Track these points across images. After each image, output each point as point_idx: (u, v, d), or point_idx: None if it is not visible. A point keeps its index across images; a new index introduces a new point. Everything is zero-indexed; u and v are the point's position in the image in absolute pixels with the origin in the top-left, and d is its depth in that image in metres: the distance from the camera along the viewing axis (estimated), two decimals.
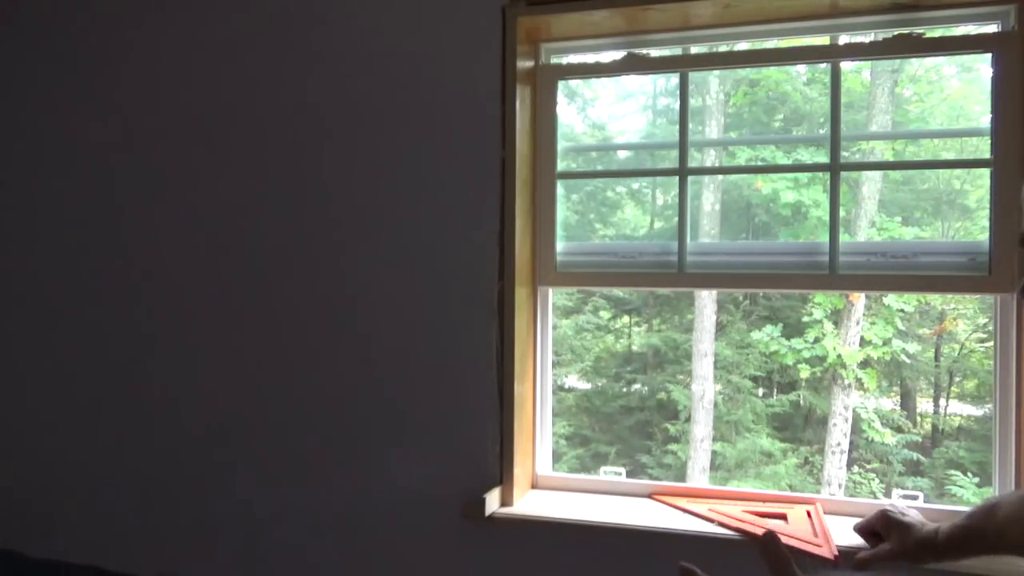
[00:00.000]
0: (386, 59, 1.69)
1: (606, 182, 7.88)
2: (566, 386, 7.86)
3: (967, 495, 5.97)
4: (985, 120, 1.47)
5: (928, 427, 7.35)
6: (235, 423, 1.81)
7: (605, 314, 8.06)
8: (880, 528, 1.28)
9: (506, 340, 1.61)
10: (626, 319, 8.19)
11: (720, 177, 7.13)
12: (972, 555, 1.16)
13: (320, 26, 1.74)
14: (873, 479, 6.79)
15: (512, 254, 1.60)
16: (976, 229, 6.66)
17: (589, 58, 1.76)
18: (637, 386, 7.76)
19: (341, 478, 1.72)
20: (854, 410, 6.67)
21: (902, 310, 6.47)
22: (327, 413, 1.73)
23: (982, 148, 1.52)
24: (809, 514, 1.50)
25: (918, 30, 1.50)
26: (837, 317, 6.56)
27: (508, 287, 1.60)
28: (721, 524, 1.46)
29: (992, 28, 1.49)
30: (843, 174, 1.57)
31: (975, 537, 1.13)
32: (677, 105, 1.70)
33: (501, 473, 1.60)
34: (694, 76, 1.72)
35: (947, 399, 7.45)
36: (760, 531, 1.40)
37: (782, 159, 6.29)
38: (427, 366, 1.66)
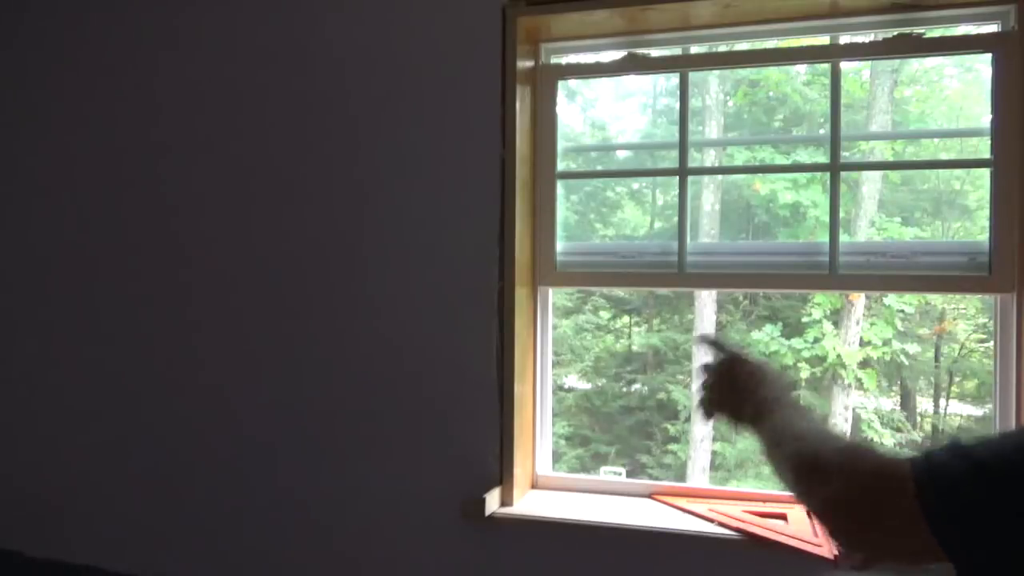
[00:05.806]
0: (386, 59, 1.69)
1: (606, 182, 7.86)
2: (566, 386, 7.84)
3: None
4: (985, 120, 1.47)
5: (928, 427, 7.35)
6: (235, 424, 1.81)
7: (605, 314, 8.05)
8: None
9: (506, 340, 1.61)
10: (626, 319, 8.17)
11: (720, 177, 7.11)
12: None
13: (319, 26, 1.74)
14: None
15: (512, 254, 1.60)
16: (976, 229, 6.65)
17: (589, 58, 1.76)
18: (637, 386, 7.75)
19: (341, 477, 1.72)
20: (854, 410, 6.66)
21: (902, 310, 6.46)
22: (327, 413, 1.73)
23: (982, 148, 1.52)
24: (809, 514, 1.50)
25: (918, 30, 1.50)
26: (837, 317, 6.55)
27: (508, 287, 1.60)
28: (721, 524, 1.46)
29: (992, 28, 1.49)
30: (843, 174, 1.57)
31: None
32: (677, 105, 1.69)
33: (501, 473, 1.60)
34: (694, 76, 1.72)
35: (947, 399, 7.44)
36: (760, 532, 1.40)
37: (780, 159, 6.28)
38: (427, 366, 1.66)
